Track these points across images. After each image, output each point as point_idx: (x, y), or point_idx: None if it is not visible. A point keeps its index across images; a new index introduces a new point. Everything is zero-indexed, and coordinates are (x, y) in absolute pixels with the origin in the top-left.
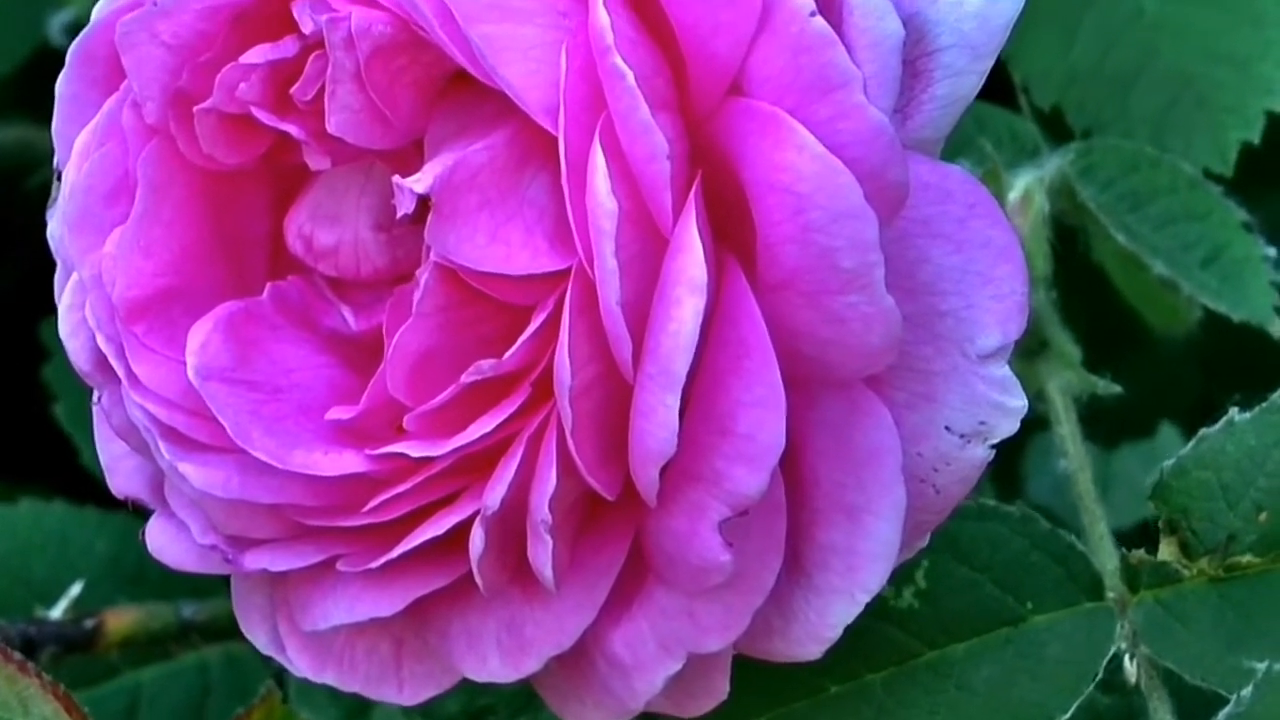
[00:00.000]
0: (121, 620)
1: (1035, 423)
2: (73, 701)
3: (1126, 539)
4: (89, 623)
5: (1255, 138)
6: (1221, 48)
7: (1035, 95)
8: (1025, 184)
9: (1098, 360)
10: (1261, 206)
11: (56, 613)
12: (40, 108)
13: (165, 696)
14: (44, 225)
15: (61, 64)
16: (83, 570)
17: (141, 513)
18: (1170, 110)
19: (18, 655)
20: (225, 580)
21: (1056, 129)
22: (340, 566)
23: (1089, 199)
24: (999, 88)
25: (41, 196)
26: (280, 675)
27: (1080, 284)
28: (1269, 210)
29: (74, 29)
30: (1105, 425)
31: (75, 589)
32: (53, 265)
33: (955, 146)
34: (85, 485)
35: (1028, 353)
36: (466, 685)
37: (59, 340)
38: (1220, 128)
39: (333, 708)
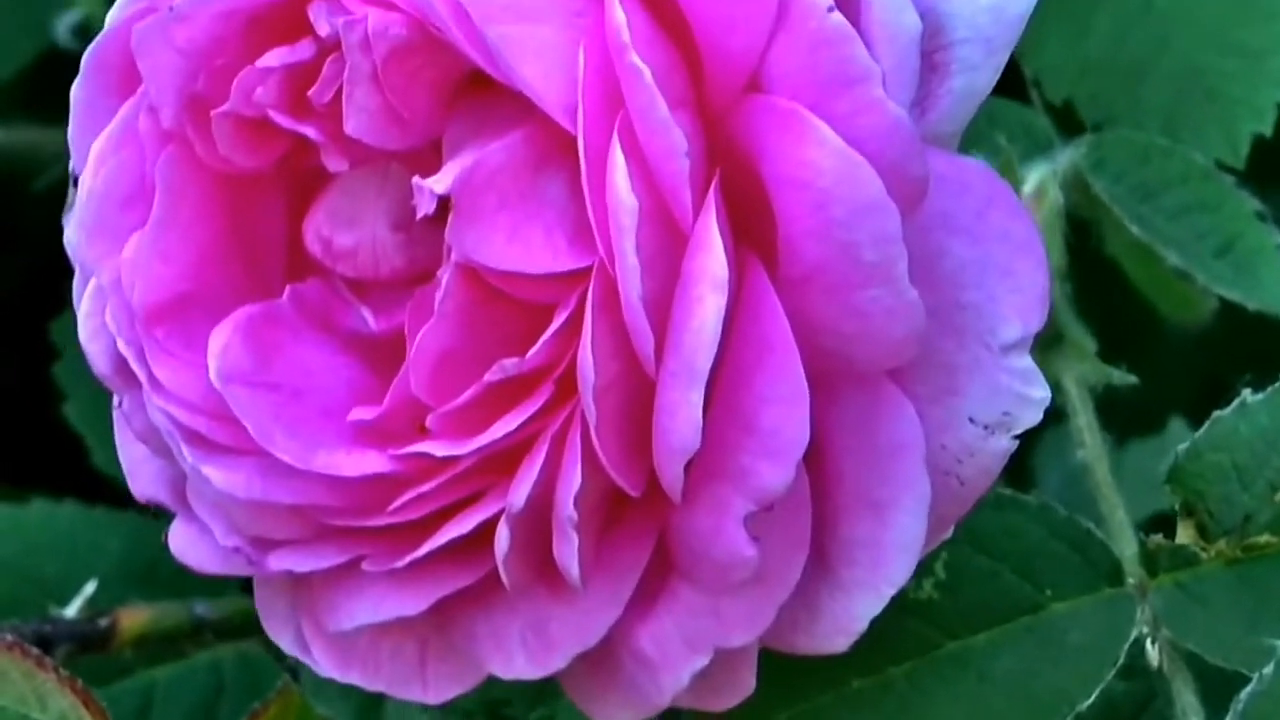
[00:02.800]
0: (135, 619)
1: (1046, 417)
2: (90, 696)
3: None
4: (103, 621)
5: (1267, 129)
6: (1232, 40)
7: (1047, 89)
8: (1039, 177)
9: (1107, 355)
10: (1274, 198)
11: (71, 611)
12: (47, 109)
13: (178, 695)
14: (50, 226)
15: (69, 66)
16: (94, 570)
17: (153, 513)
18: (1181, 102)
19: (35, 651)
20: (238, 579)
21: (1068, 123)
22: (365, 567)
23: (1102, 191)
24: (1010, 82)
25: (48, 198)
26: (295, 670)
27: (1091, 278)
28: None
29: (81, 30)
30: (1115, 421)
31: (89, 588)
32: (60, 265)
33: (968, 141)
34: (95, 486)
35: (1043, 345)
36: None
37: (69, 339)
38: (1232, 119)
39: (345, 702)
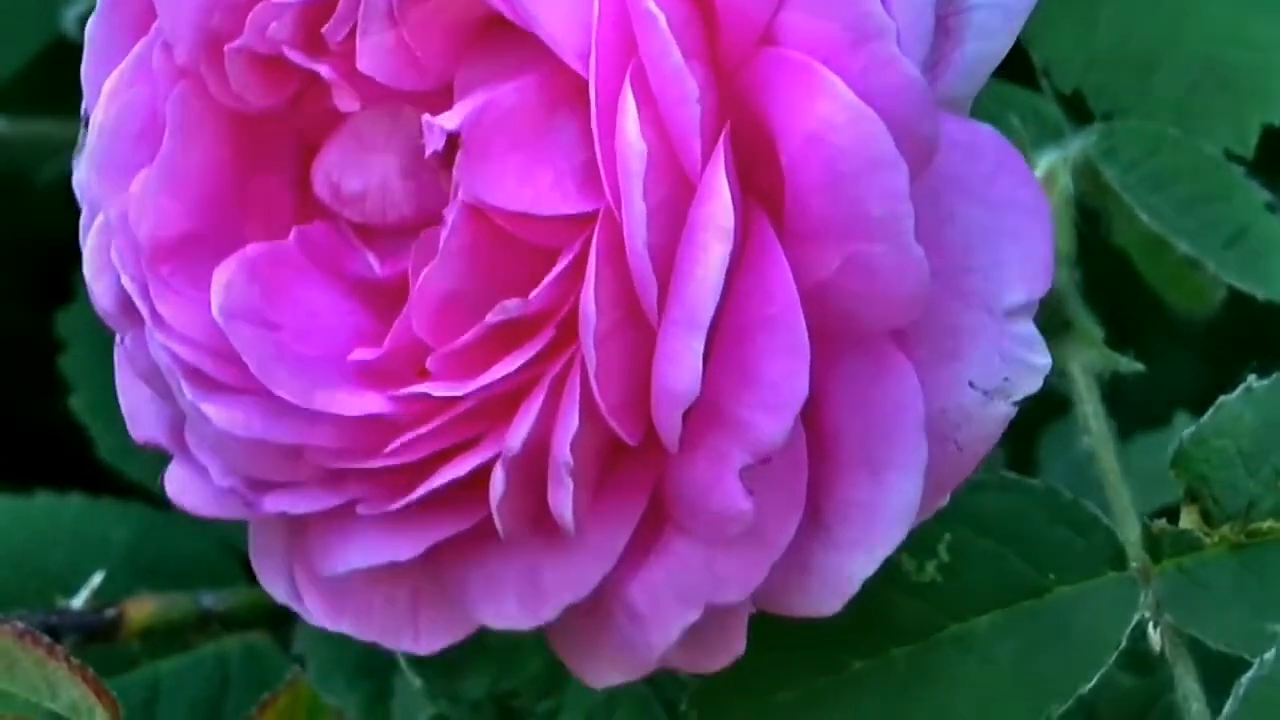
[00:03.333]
0: (142, 610)
1: (1051, 408)
2: (101, 686)
3: None
4: (110, 612)
5: (1277, 120)
6: (1243, 32)
7: (1056, 79)
8: (1049, 163)
9: (1114, 345)
10: None
11: (78, 602)
12: (54, 101)
13: (184, 687)
14: (56, 218)
15: (76, 57)
16: (99, 561)
17: (159, 504)
18: (1192, 93)
19: (46, 640)
20: (242, 570)
21: (1078, 112)
22: (360, 509)
23: (1112, 179)
24: (1020, 70)
25: (54, 190)
26: (302, 662)
27: (1099, 267)
28: None
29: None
30: (1120, 415)
31: (96, 579)
32: (65, 257)
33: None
34: (99, 479)
35: (1050, 332)
36: (489, 670)
37: (75, 331)
38: (1242, 110)
39: (353, 693)
